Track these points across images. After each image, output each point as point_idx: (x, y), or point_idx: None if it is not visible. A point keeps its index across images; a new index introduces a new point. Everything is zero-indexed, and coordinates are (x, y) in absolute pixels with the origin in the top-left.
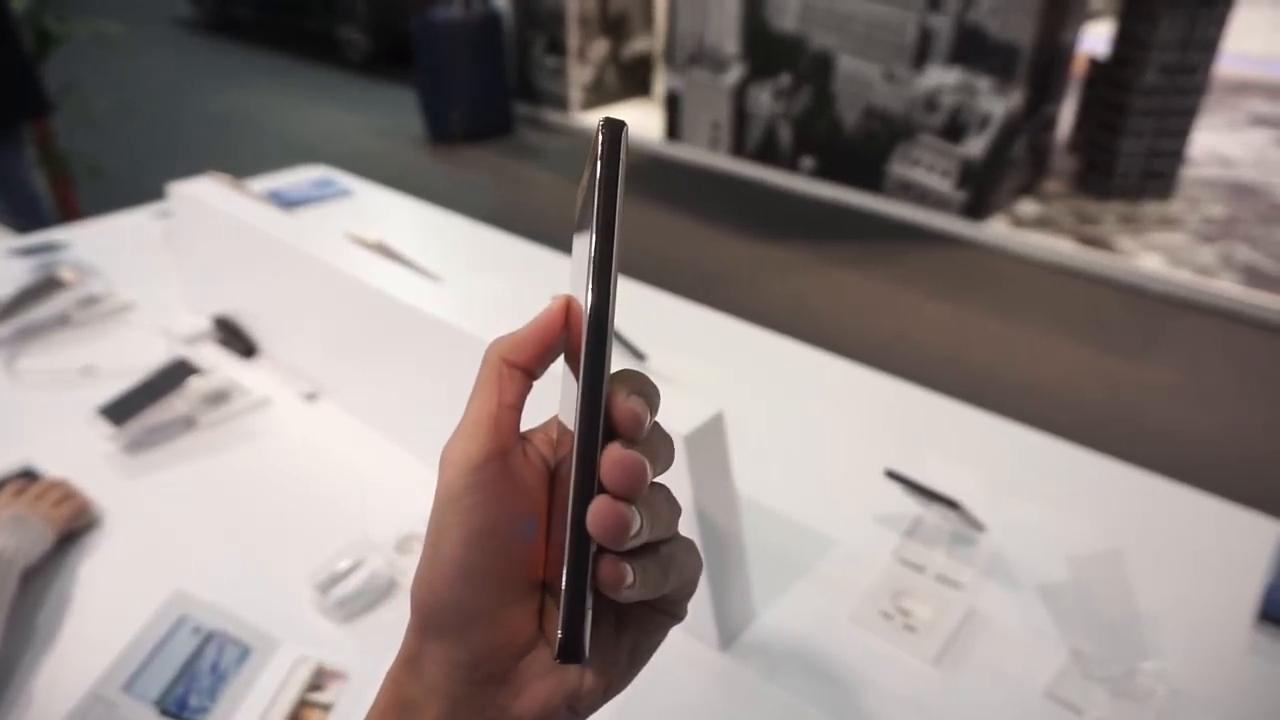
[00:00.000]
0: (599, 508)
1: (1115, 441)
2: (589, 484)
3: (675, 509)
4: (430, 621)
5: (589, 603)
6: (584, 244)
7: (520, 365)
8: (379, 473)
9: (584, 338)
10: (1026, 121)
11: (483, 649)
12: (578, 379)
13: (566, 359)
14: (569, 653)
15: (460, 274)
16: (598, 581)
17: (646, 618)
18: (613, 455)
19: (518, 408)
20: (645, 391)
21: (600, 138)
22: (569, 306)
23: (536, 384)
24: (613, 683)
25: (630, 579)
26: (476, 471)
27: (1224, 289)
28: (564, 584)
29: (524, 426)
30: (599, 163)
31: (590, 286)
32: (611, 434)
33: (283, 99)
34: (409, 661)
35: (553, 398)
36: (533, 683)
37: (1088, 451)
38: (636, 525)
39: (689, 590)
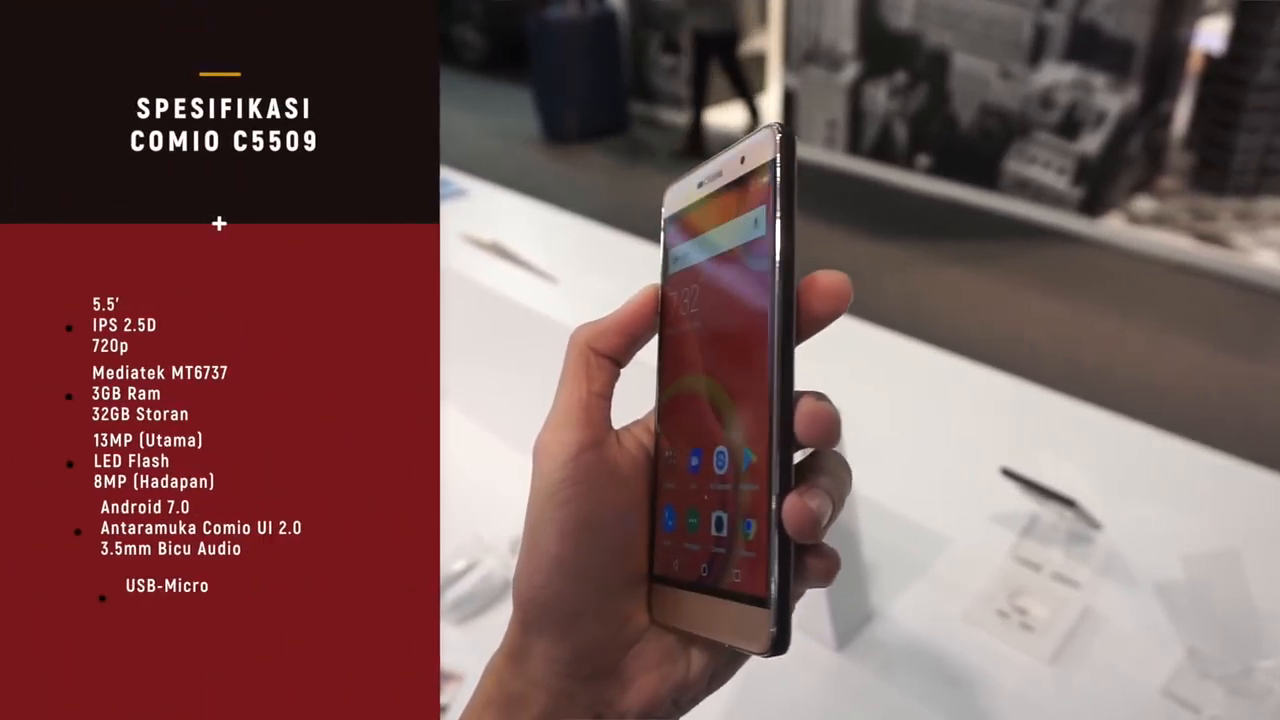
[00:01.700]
0: (794, 507)
1: (1231, 439)
2: (786, 480)
3: (849, 472)
4: (532, 618)
5: (791, 593)
6: (715, 243)
7: (607, 353)
8: (493, 474)
9: (773, 352)
10: (1142, 118)
11: (587, 645)
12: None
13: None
14: (781, 645)
15: (576, 274)
16: (809, 578)
17: None
18: (806, 409)
19: (607, 396)
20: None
21: (778, 139)
22: (659, 296)
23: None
24: (718, 673)
25: (839, 565)
26: (571, 463)
27: None
28: (774, 580)
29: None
30: (777, 170)
31: (776, 291)
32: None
33: None
34: (513, 655)
35: (637, 396)
36: (639, 676)
37: (1204, 449)
38: (827, 515)
39: None
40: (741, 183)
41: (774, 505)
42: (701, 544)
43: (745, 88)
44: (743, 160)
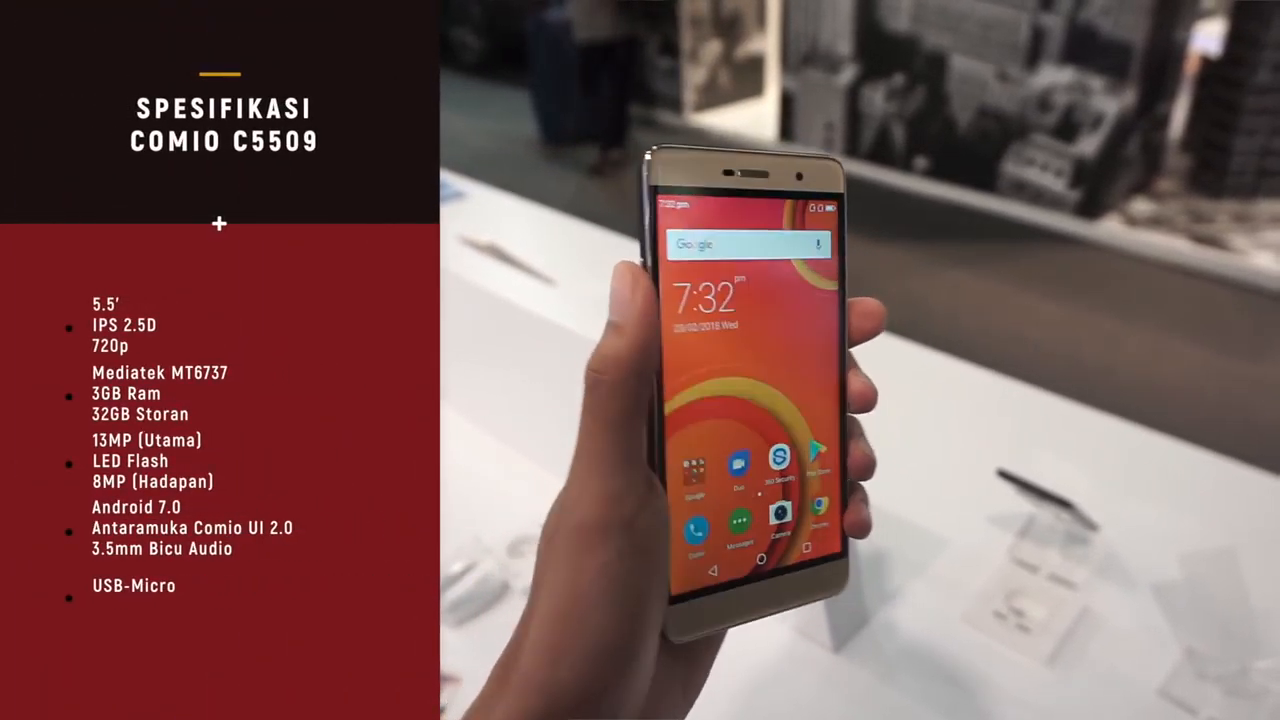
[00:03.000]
0: (854, 457)
1: (1229, 440)
2: (845, 439)
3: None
4: (553, 704)
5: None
6: (762, 247)
7: (646, 373)
8: (491, 475)
9: (843, 364)
10: (1139, 120)
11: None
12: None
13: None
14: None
15: (574, 276)
16: (853, 528)
17: None
18: (855, 388)
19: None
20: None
21: (844, 174)
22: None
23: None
24: (689, 688)
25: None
26: (625, 530)
27: None
28: (843, 510)
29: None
30: (845, 205)
31: (846, 313)
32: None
33: None
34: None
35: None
36: None
37: (1202, 450)
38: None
39: None
40: (796, 197)
41: (842, 475)
42: (756, 538)
43: (619, 110)
44: (800, 176)
